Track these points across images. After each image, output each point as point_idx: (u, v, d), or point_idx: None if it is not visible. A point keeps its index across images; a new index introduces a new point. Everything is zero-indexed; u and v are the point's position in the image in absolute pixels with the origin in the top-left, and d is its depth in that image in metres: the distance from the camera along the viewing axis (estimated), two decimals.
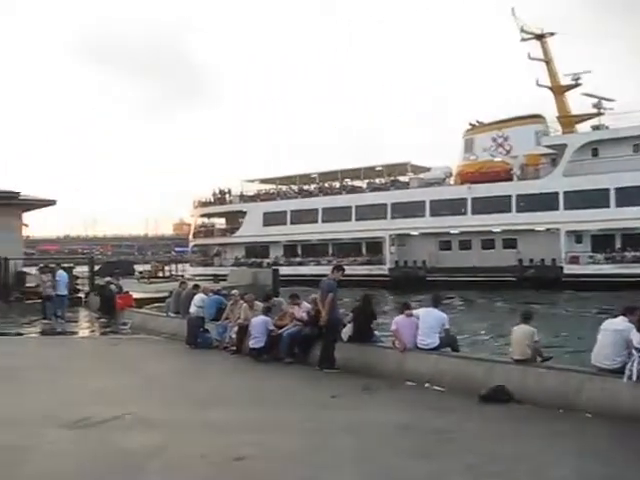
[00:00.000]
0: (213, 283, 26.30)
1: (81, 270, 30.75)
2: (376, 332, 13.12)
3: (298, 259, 57.42)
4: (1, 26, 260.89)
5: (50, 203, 35.89)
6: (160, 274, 47.42)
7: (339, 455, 7.41)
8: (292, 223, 58.12)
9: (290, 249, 59.19)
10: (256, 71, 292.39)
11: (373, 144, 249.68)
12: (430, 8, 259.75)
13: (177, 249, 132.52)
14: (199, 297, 17.15)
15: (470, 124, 56.10)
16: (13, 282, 27.89)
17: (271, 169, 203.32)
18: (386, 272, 50.62)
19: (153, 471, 6.94)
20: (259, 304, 15.28)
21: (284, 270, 41.09)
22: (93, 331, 20.86)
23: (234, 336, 15.18)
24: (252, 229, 60.06)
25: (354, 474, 6.82)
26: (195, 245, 68.34)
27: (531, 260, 45.64)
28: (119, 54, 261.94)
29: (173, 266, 53.55)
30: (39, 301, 23.47)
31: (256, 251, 60.39)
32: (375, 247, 54.02)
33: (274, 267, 50.46)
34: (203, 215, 67.98)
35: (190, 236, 70.65)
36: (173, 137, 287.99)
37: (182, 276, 43.53)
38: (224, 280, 32.64)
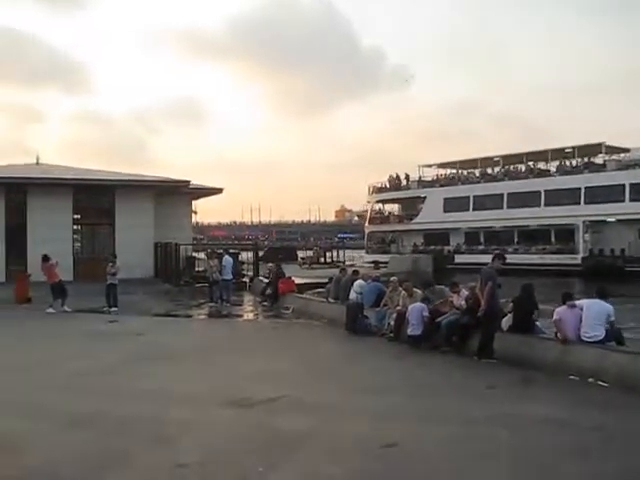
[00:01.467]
0: (373, 269, 26.36)
1: (246, 256, 31.84)
2: (537, 323, 12.69)
3: (480, 247, 53.43)
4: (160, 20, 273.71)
5: (217, 191, 37.61)
6: (322, 260, 48.26)
7: (492, 448, 7.25)
8: (475, 209, 55.40)
9: (472, 236, 56.10)
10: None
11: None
12: None
13: (339, 235, 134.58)
14: (358, 283, 17.32)
15: None
16: (183, 267, 29.44)
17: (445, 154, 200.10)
18: (579, 261, 46.51)
19: (306, 453, 7.10)
20: (418, 291, 15.21)
21: (465, 258, 39.89)
22: (256, 315, 21.56)
23: (392, 323, 15.20)
24: (431, 215, 57.96)
25: (506, 469, 6.65)
26: (371, 232, 67.67)
27: None
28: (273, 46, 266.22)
29: (335, 252, 54.22)
30: (207, 285, 24.59)
31: (435, 238, 58.25)
32: (565, 235, 49.71)
33: (454, 254, 49.87)
34: (379, 201, 67.06)
35: (366, 222, 70.15)
36: (333, 129, 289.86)
37: (344, 262, 44.06)
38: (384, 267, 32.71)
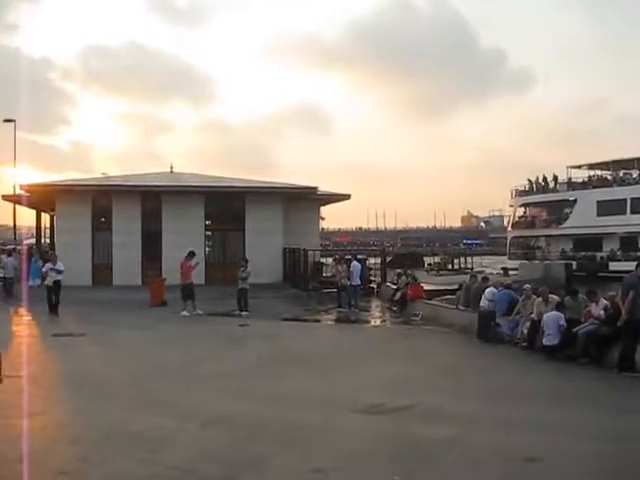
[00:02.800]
0: (502, 276, 25.63)
1: (373, 261, 31.75)
2: None
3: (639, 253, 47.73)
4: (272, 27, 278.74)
5: (345, 197, 37.70)
6: (449, 266, 47.56)
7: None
8: (632, 212, 50.32)
9: (629, 242, 50.83)
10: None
11: None
12: None
13: (465, 241, 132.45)
14: (490, 291, 16.84)
15: None
16: (311, 272, 29.68)
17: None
18: None
19: (447, 463, 6.90)
20: (555, 298, 14.61)
21: (621, 266, 36.56)
22: (384, 321, 21.39)
23: (526, 331, 14.69)
24: (582, 219, 53.10)
25: None
26: (514, 237, 64.01)
27: None
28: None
29: (463, 259, 53.28)
30: (334, 290, 24.66)
31: (586, 244, 53.32)
32: None
33: (608, 261, 45.76)
34: (523, 205, 63.48)
35: (509, 227, 66.97)
36: (455, 133, 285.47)
37: (471, 269, 43.21)
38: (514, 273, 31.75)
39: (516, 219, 62.72)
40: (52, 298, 20.76)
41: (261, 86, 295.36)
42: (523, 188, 61.39)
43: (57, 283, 21.03)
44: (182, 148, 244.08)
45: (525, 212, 62.94)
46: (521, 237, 61.73)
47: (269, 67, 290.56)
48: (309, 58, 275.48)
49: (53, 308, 20.62)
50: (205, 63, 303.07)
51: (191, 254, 22.30)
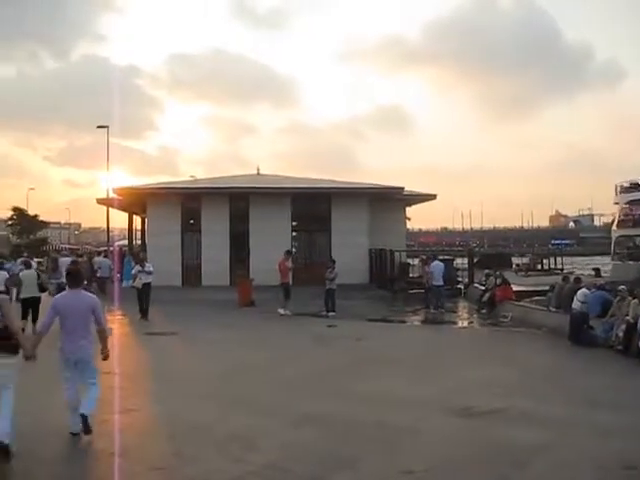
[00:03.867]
0: (594, 277, 24.91)
1: (460, 262, 31.36)
2: None
3: None
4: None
5: (431, 197, 37.35)
6: (538, 267, 46.41)
7: None
8: None
9: None
10: None
11: None
12: None
13: (554, 241, 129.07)
14: (582, 292, 16.38)
15: None
16: (398, 273, 29.53)
17: None
18: None
19: (540, 469, 6.77)
20: None
21: None
22: (471, 322, 21.11)
23: (621, 334, 14.23)
24: None
25: None
26: (620, 236, 59.03)
27: None
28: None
29: (552, 259, 51.78)
30: (421, 291, 24.49)
31: None
32: None
33: None
34: (629, 202, 58.61)
35: (613, 226, 62.72)
36: (540, 131, 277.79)
37: (561, 270, 41.99)
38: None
39: (621, 217, 58.49)
40: (142, 301, 20.23)
41: (342, 88, 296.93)
42: (628, 185, 57.84)
43: (147, 286, 20.37)
44: (266, 150, 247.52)
45: (632, 210, 58.74)
46: (629, 236, 57.88)
47: (350, 68, 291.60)
48: (390, 58, 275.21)
49: (144, 313, 20.05)
50: (287, 66, 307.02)
51: (288, 253, 22.62)
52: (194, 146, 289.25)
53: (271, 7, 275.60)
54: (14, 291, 16.15)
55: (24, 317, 15.41)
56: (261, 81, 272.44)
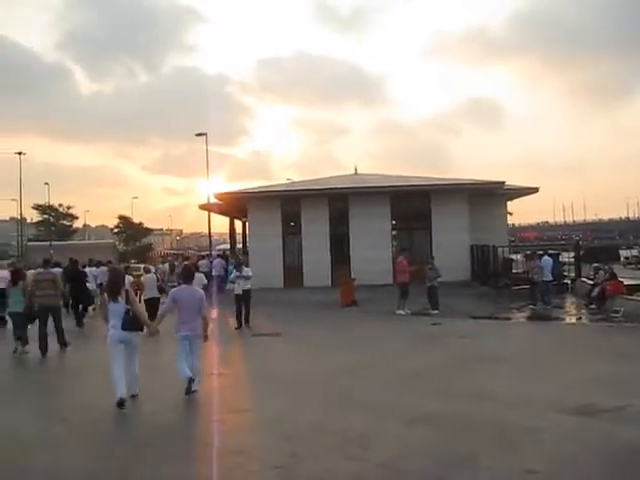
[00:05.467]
0: None
1: (565, 256, 30.54)
2: None
3: None
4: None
5: (533, 191, 36.61)
6: None
7: None
8: None
9: None
10: None
11: None
12: None
13: None
14: None
15: None
16: (501, 269, 29.02)
17: None
18: None
19: None
20: None
21: None
22: (580, 318, 20.47)
23: None
24: None
25: None
26: None
27: None
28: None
29: None
30: (525, 287, 23.97)
31: None
32: None
33: None
34: None
35: None
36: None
37: None
38: None
39: None
40: (241, 309, 18.98)
41: (431, 83, 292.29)
42: None
43: (247, 292, 19.01)
44: (358, 150, 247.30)
45: None
46: None
47: (437, 63, 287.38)
48: (477, 51, 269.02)
49: (245, 320, 18.95)
50: (374, 64, 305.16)
51: (403, 251, 22.66)
52: (286, 149, 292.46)
53: (354, 7, 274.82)
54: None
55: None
56: (349, 81, 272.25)
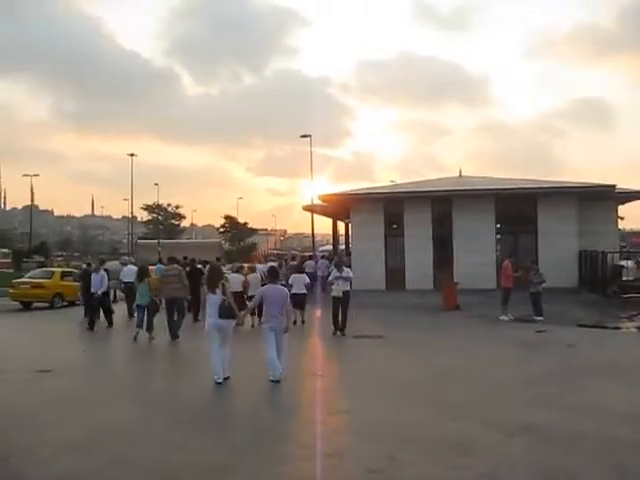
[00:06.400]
0: None
1: None
2: None
3: None
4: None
5: None
6: None
7: None
8: None
9: None
10: None
11: None
12: None
13: None
14: None
15: None
16: (610, 275, 28.02)
17: None
18: None
19: None
20: None
21: None
22: None
23: None
24: None
25: None
26: None
27: None
28: None
29: None
30: (637, 295, 23.10)
31: None
32: None
33: None
34: None
35: None
36: None
37: None
38: None
39: None
40: (338, 312, 17.92)
41: (534, 82, 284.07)
42: None
43: (346, 294, 17.92)
44: (460, 151, 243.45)
45: None
46: None
47: (540, 62, 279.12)
48: (582, 49, 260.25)
49: (341, 325, 17.95)
50: (476, 64, 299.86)
51: (509, 255, 22.35)
52: (388, 150, 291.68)
53: (454, 6, 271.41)
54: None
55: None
56: (450, 81, 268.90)
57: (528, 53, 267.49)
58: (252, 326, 18.70)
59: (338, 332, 17.98)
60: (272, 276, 12.71)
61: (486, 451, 7.46)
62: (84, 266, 28.06)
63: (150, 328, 17.70)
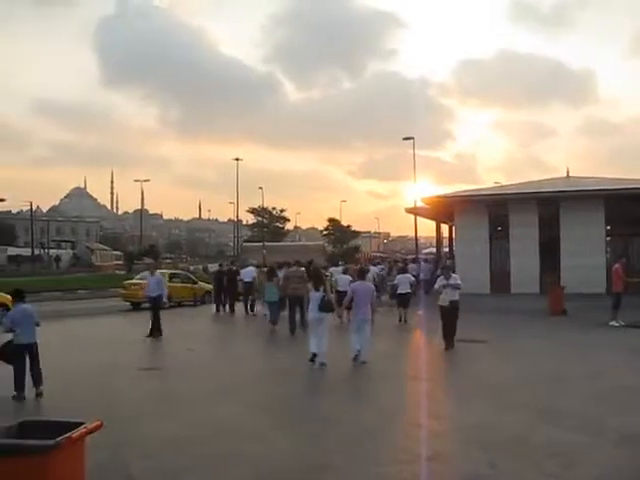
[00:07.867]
0: None
1: None
2: None
3: None
4: None
5: None
6: None
7: None
8: None
9: None
10: None
11: None
12: None
13: None
14: None
15: None
16: None
17: None
18: None
19: None
20: None
21: None
22: None
23: None
24: None
25: None
26: None
27: None
28: None
29: None
30: None
31: None
32: None
33: None
34: None
35: None
36: None
37: None
38: None
39: None
40: (448, 324, 15.86)
41: None
42: None
43: (454, 304, 15.90)
44: (565, 151, 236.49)
45: None
46: None
47: None
48: None
49: (449, 339, 15.92)
50: (579, 62, 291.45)
51: (620, 258, 21.59)
52: (490, 152, 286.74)
53: (553, 3, 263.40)
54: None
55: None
56: (554, 79, 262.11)
57: (633, 48, 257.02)
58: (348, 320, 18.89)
59: (446, 345, 15.86)
60: (360, 275, 15.20)
61: (590, 462, 7.28)
62: (217, 267, 31.38)
63: (275, 322, 20.55)
